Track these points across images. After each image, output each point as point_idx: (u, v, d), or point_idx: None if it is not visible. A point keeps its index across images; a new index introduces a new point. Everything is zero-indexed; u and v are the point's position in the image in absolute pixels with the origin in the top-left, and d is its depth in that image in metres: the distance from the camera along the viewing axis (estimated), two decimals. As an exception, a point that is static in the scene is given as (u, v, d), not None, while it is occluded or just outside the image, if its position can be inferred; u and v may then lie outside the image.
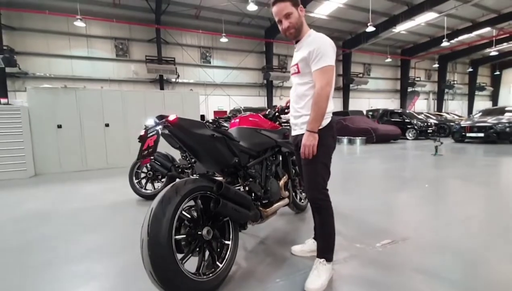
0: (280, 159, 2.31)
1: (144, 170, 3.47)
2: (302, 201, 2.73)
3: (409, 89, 21.91)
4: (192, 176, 3.23)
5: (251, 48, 16.53)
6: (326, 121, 1.51)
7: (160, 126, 1.37)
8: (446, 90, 23.97)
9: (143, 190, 3.38)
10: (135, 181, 3.40)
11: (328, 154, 1.53)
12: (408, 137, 11.99)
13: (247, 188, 1.85)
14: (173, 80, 14.82)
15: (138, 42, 14.25)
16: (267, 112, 2.41)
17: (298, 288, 1.46)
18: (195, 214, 1.47)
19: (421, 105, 24.28)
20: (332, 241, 1.54)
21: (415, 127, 11.91)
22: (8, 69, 11.68)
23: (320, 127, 1.46)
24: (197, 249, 1.41)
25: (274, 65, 16.76)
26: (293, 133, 1.66)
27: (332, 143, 1.55)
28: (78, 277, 1.67)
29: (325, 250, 1.54)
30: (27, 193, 3.97)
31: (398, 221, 2.46)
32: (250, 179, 1.86)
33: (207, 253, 1.47)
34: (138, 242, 1.63)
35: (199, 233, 1.40)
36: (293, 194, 2.55)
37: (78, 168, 5.94)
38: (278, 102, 18.42)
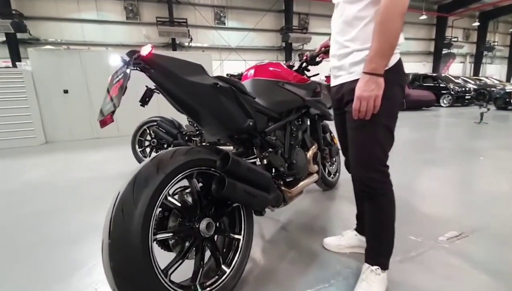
0: (308, 123, 1.78)
1: (148, 137, 3.09)
2: (332, 176, 2.23)
3: (444, 51, 19.67)
4: (201, 144, 2.80)
5: (269, 7, 15.10)
6: (394, 59, 0.95)
7: (130, 67, 0.88)
8: (484, 52, 21.36)
9: (147, 160, 3.02)
10: (138, 150, 3.04)
11: (393, 111, 0.99)
12: (442, 104, 10.83)
13: (265, 161, 1.36)
14: (186, 44, 14.02)
15: (148, 3, 13.34)
16: (291, 63, 1.84)
17: (338, 305, 1.03)
18: (189, 199, 1.02)
19: (455, 70, 21.98)
20: (390, 241, 1.06)
21: (452, 92, 10.67)
22: (19, 36, 11.40)
23: (386, 68, 0.90)
24: (193, 249, 0.98)
25: (294, 26, 15.33)
26: (335, 82, 1.11)
27: (401, 95, 1.00)
28: (72, 259, 1.34)
29: (380, 254, 1.06)
30: (32, 162, 3.74)
31: (457, 204, 1.93)
32: (270, 149, 1.37)
33: (207, 252, 1.04)
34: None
35: (195, 226, 0.96)
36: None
37: (88, 136, 5.71)
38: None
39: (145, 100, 3.13)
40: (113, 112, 0.82)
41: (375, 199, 1.02)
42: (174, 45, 13.52)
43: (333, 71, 1.11)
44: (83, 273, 1.28)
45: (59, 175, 2.99)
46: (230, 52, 15.15)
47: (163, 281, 0.81)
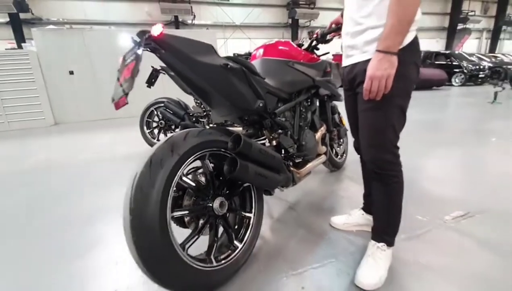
0: (317, 104, 1.77)
1: (156, 119, 3.11)
2: (339, 157, 2.24)
3: (459, 26, 18.71)
4: (208, 126, 2.82)
5: (275, -19, 14.44)
6: (410, 36, 0.92)
7: (141, 48, 0.87)
8: (503, 27, 20.24)
9: (156, 141, 3.06)
10: (147, 131, 3.08)
11: (407, 91, 0.98)
12: (454, 83, 10.50)
13: (274, 143, 1.38)
14: (189, 21, 13.63)
15: (149, -22, 12.87)
16: (300, 41, 1.79)
17: (345, 280, 1.08)
18: (202, 179, 1.05)
19: (470, 47, 21.06)
20: (397, 220, 1.09)
21: (465, 71, 10.30)
22: (22, 16, 11.25)
23: (401, 46, 0.88)
24: (208, 226, 1.03)
25: (301, 1, 14.72)
26: (347, 62, 1.09)
27: (415, 74, 0.98)
28: (85, 240, 1.42)
29: (387, 232, 1.09)
30: (42, 143, 3.83)
31: (465, 185, 1.93)
32: (280, 131, 1.37)
33: (221, 229, 1.09)
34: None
35: (209, 205, 1.00)
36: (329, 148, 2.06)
37: (96, 117, 5.77)
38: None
39: (151, 81, 3.12)
40: (126, 94, 0.83)
41: (386, 180, 1.04)
42: (177, 23, 13.17)
43: (345, 50, 1.09)
44: (101, 249, 1.36)
45: (68, 157, 3.06)
46: (235, 29, 14.72)
47: (180, 254, 0.86)
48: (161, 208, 0.82)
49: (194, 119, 2.83)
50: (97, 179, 2.33)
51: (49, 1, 11.91)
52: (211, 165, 1.07)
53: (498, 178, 2.01)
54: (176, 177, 0.88)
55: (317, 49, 1.82)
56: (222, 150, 1.05)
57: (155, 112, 3.07)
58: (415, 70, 0.97)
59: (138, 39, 0.89)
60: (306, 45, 1.76)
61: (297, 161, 1.44)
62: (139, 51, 0.87)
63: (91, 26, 10.06)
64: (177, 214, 0.90)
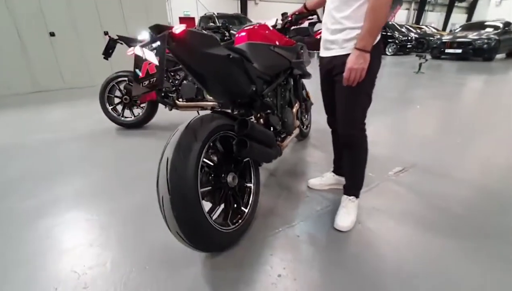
0: (292, 83, 1.99)
1: (118, 93, 2.94)
2: (305, 127, 2.56)
3: (393, -4, 20.24)
4: (178, 100, 2.82)
5: None
6: (377, 38, 1.17)
7: (160, 43, 0.95)
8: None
9: (122, 118, 2.95)
10: (109, 107, 2.92)
11: (373, 80, 1.26)
12: (387, 52, 11.73)
13: (261, 121, 1.58)
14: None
15: None
16: (275, 22, 1.92)
17: (326, 226, 1.42)
18: (215, 158, 1.22)
19: (401, 17, 23.15)
20: (362, 178, 1.44)
21: (396, 41, 11.53)
22: None
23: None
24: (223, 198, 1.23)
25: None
26: (327, 54, 1.30)
27: (378, 67, 1.26)
28: (72, 228, 1.46)
29: (355, 188, 1.45)
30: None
31: (400, 146, 2.46)
32: (268, 111, 1.57)
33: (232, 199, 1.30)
34: (130, 183, 1.75)
35: (223, 181, 1.19)
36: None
37: (30, 89, 5.04)
38: (252, 6, 16.33)
39: (108, 52, 2.92)
40: (159, 89, 0.92)
41: (354, 147, 1.36)
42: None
43: (325, 43, 1.30)
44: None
45: (25, 137, 2.78)
46: (179, -13, 13.40)
47: (209, 220, 1.05)
48: (195, 186, 0.98)
49: (163, 94, 2.79)
50: (62, 162, 2.24)
51: None
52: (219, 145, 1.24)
53: (422, 138, 2.60)
54: (201, 158, 1.03)
55: (289, 31, 1.98)
56: (230, 132, 1.21)
57: (117, 86, 2.90)
58: (378, 64, 1.25)
59: (155, 35, 0.96)
60: (279, 26, 1.91)
61: (282, 136, 1.68)
62: (155, 45, 0.94)
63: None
64: (204, 189, 1.08)
